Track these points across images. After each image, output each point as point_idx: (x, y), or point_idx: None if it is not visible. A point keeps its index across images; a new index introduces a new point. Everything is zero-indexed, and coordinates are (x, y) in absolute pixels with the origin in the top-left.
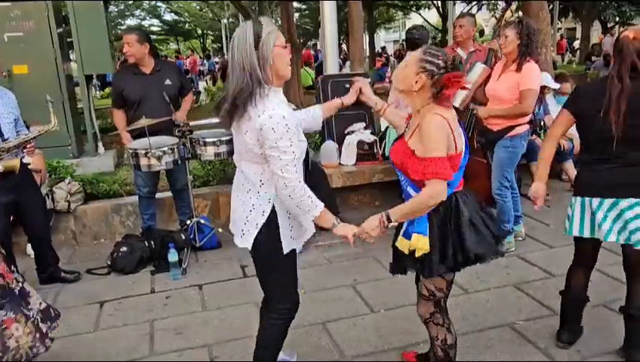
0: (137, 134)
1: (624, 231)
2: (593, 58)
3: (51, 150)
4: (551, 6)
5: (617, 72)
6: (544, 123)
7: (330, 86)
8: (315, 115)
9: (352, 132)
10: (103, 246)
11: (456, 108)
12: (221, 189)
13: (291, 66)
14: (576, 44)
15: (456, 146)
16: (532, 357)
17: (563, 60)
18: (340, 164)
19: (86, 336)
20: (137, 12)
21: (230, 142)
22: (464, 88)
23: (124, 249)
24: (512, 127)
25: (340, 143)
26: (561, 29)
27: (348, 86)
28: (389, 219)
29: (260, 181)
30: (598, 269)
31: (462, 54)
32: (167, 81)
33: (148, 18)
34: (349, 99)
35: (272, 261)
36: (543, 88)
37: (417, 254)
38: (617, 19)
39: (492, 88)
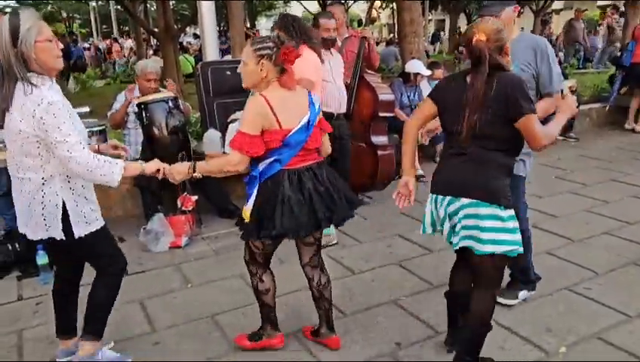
0: None
1: (458, 234)
2: (460, 48)
3: None
4: None
5: (475, 74)
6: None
7: (210, 73)
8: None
9: (235, 120)
10: None
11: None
12: (96, 184)
13: (170, 54)
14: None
15: (279, 123)
16: (417, 330)
17: (434, 50)
18: (224, 152)
19: None
20: None
21: (102, 132)
22: None
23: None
24: None
25: (223, 132)
26: (431, 20)
27: (229, 73)
28: (194, 170)
29: (43, 180)
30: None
31: (337, 42)
32: None
33: None
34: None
35: (81, 246)
36: (417, 75)
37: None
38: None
39: None
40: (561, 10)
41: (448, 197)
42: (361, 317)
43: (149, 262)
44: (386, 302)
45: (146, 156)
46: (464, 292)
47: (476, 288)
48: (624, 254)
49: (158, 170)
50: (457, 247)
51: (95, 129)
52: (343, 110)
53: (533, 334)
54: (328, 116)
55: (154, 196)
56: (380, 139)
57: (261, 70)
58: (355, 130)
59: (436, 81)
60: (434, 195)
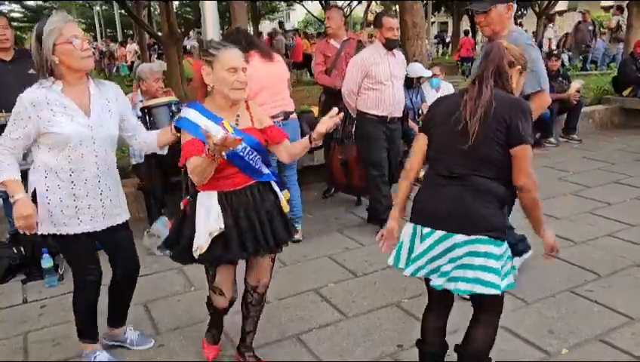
0: None
1: (446, 274)
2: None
3: None
4: (425, 1)
5: (480, 75)
6: (422, 111)
7: None
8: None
9: None
10: None
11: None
12: None
13: (174, 57)
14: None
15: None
16: (418, 332)
17: (437, 53)
18: None
19: None
20: None
21: None
22: None
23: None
24: None
25: None
26: (434, 22)
27: None
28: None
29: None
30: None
31: (336, 45)
32: (31, 71)
33: (6, 2)
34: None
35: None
36: (419, 78)
37: None
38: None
39: None
40: (565, 11)
41: (440, 232)
42: (364, 320)
43: (152, 265)
44: (388, 304)
45: (149, 160)
46: (439, 348)
47: (474, 324)
48: (627, 256)
49: (26, 216)
50: (441, 288)
51: None
52: (398, 114)
53: (535, 336)
54: (381, 120)
55: (157, 200)
56: None
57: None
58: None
59: (436, 79)
60: (416, 226)
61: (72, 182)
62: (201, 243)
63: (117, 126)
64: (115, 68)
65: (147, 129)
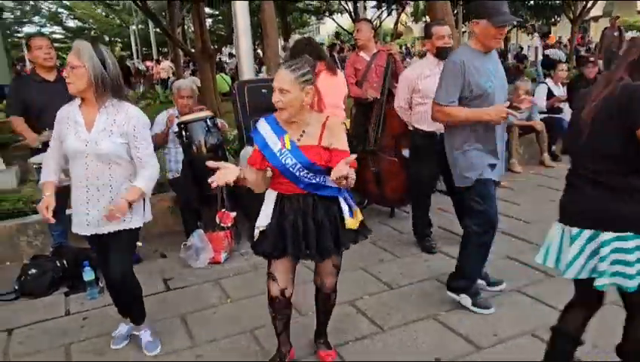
0: (40, 148)
1: (604, 273)
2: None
3: None
4: (455, 10)
5: (615, 68)
6: None
7: (247, 91)
8: None
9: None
10: (9, 270)
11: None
12: None
13: (207, 73)
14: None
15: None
16: (456, 345)
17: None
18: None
19: None
20: (36, 18)
21: None
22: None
23: (33, 271)
24: None
25: None
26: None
27: (265, 91)
28: None
29: None
30: (509, 256)
31: (366, 57)
32: None
33: (48, 25)
34: None
35: None
36: None
37: None
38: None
39: None
40: (600, 17)
41: (588, 231)
42: (400, 333)
43: (189, 278)
44: (425, 317)
45: (185, 173)
46: (575, 336)
47: (631, 320)
48: None
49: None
50: (605, 289)
51: None
52: None
53: None
54: (429, 135)
55: (194, 213)
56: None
57: (307, 95)
58: (386, 143)
59: None
60: (564, 226)
61: (72, 189)
62: (255, 232)
63: (116, 145)
64: (150, 84)
65: (183, 144)
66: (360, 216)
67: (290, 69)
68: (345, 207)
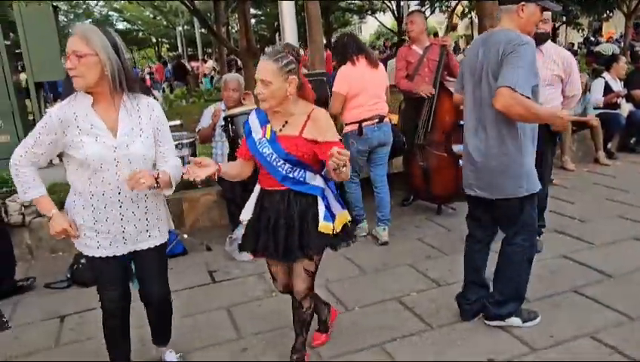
0: None
1: None
2: None
3: (2, 162)
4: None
5: None
6: None
7: None
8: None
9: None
10: (62, 259)
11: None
12: (184, 195)
13: (252, 70)
14: None
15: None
16: (509, 345)
17: None
18: None
19: (46, 352)
20: (88, 22)
21: (192, 145)
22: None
23: (85, 260)
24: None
25: None
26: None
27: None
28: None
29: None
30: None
31: (418, 50)
32: None
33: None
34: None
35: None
36: None
37: None
38: (564, 18)
39: None
40: None
41: None
42: (450, 331)
43: (234, 271)
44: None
45: None
46: None
47: None
48: None
49: (60, 232)
50: None
51: (185, 141)
52: None
53: None
54: None
55: (238, 207)
56: (461, 148)
57: (290, 85)
58: (436, 139)
59: None
60: None
61: (92, 205)
62: (240, 231)
63: (148, 144)
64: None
65: (229, 137)
66: (344, 221)
67: (273, 59)
68: (322, 209)
